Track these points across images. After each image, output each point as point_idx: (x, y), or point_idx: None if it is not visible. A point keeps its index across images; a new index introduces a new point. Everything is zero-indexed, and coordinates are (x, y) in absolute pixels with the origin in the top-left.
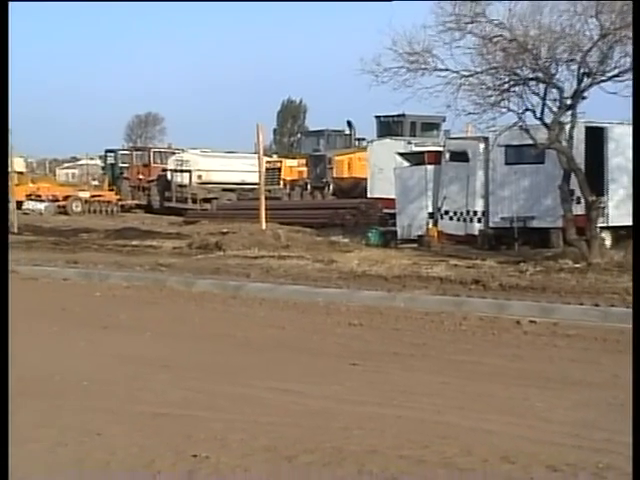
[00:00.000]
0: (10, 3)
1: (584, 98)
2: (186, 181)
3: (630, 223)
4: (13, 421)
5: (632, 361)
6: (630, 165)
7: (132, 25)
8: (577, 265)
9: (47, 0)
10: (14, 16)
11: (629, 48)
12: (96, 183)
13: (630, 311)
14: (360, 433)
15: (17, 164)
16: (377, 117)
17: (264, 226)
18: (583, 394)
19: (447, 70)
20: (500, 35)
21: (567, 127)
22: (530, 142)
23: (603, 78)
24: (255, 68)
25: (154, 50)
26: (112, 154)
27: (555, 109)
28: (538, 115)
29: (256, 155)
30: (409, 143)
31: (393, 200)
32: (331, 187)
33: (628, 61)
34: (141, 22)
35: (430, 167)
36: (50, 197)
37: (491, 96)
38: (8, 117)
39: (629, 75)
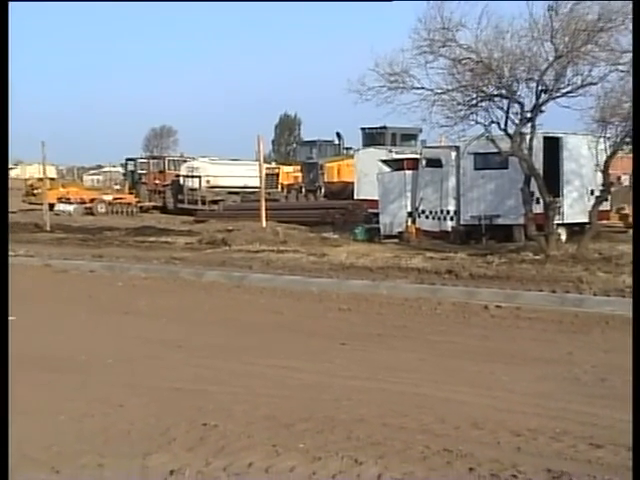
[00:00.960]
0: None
1: (542, 112)
2: (196, 185)
3: (581, 220)
4: (45, 395)
5: (632, 361)
6: (582, 170)
7: (150, 51)
8: (537, 257)
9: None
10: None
11: (580, 67)
12: (118, 187)
13: (583, 297)
14: (349, 404)
15: (49, 171)
16: (362, 129)
17: (264, 224)
18: (542, 369)
19: (422, 88)
20: (468, 57)
21: (527, 137)
22: (495, 150)
23: (558, 94)
24: (256, 86)
25: (169, 71)
26: (132, 162)
27: (517, 121)
28: (502, 127)
29: (257, 162)
30: (390, 151)
31: (376, 201)
32: (322, 190)
33: (580, 79)
34: (157, 49)
35: (409, 172)
36: (78, 200)
37: (461, 111)
38: (8, 117)
39: (581, 91)
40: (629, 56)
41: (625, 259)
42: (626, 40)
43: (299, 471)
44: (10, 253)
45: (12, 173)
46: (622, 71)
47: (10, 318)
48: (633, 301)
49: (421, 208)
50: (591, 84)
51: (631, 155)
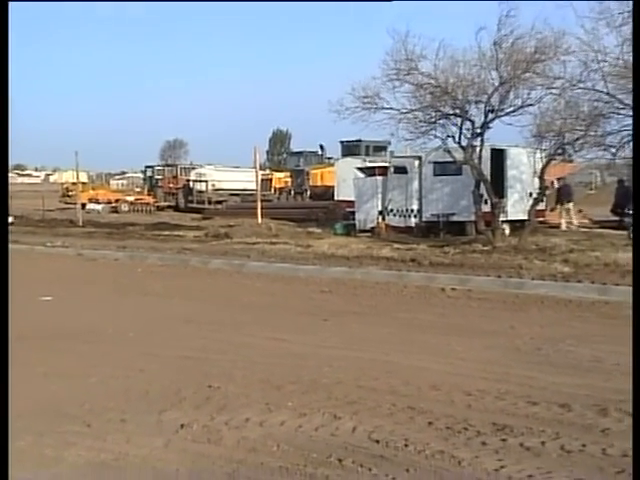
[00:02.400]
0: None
1: (489, 128)
2: (203, 188)
3: (521, 218)
4: (79, 362)
5: (632, 361)
6: (522, 176)
7: (166, 79)
8: (485, 248)
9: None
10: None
11: (520, 91)
12: (138, 190)
13: (523, 281)
14: (329, 369)
15: (82, 176)
16: (341, 142)
17: (260, 221)
18: (489, 340)
19: (391, 109)
20: (428, 83)
21: (477, 149)
22: (451, 160)
23: (502, 113)
24: (254, 106)
25: (182, 95)
26: (150, 169)
27: (469, 136)
28: (456, 140)
29: (254, 169)
30: (364, 161)
31: (353, 202)
32: (308, 192)
33: (520, 101)
34: (171, 77)
35: (379, 178)
36: (105, 200)
37: (422, 127)
38: (8, 118)
39: (521, 110)
40: (561, 81)
41: (557, 250)
42: (557, 68)
43: (288, 425)
44: (48, 244)
45: (51, 178)
46: (554, 94)
47: (47, 298)
48: (633, 301)
49: (390, 207)
50: (529, 105)
51: (562, 164)
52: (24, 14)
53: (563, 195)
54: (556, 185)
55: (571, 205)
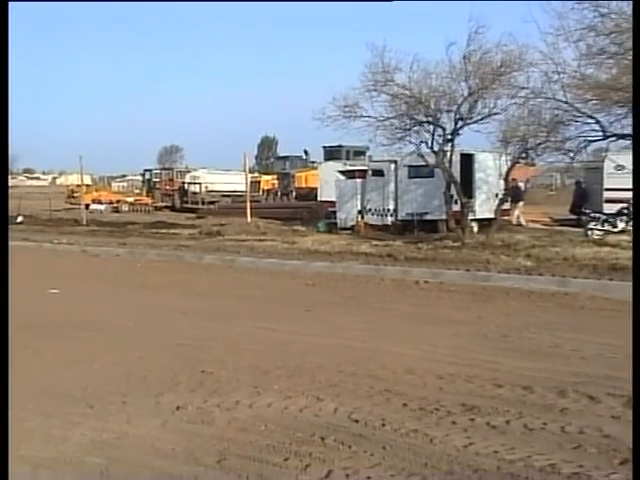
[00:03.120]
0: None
1: (459, 135)
2: (198, 190)
3: (488, 216)
4: (83, 349)
5: (632, 361)
6: (489, 178)
7: (163, 91)
8: (455, 244)
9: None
10: (91, 82)
11: (487, 101)
12: (138, 191)
13: (490, 274)
14: (313, 355)
15: (86, 179)
16: (324, 147)
17: (249, 220)
18: (459, 328)
19: (369, 117)
20: (403, 93)
21: (448, 154)
22: (424, 163)
23: (471, 121)
24: (244, 115)
25: (178, 104)
26: (148, 172)
27: (440, 142)
28: (429, 146)
29: (244, 172)
30: (345, 164)
31: (334, 202)
32: (294, 193)
33: (487, 110)
34: (167, 89)
35: (359, 180)
36: (107, 201)
37: (398, 133)
38: (8, 118)
39: (488, 119)
40: (524, 92)
41: (520, 245)
42: (521, 79)
43: (275, 406)
44: (55, 241)
45: (57, 181)
46: (519, 103)
47: (55, 291)
48: (633, 300)
49: (368, 207)
50: (496, 113)
51: (525, 167)
52: (40, 37)
53: (513, 196)
54: (520, 187)
55: (520, 204)
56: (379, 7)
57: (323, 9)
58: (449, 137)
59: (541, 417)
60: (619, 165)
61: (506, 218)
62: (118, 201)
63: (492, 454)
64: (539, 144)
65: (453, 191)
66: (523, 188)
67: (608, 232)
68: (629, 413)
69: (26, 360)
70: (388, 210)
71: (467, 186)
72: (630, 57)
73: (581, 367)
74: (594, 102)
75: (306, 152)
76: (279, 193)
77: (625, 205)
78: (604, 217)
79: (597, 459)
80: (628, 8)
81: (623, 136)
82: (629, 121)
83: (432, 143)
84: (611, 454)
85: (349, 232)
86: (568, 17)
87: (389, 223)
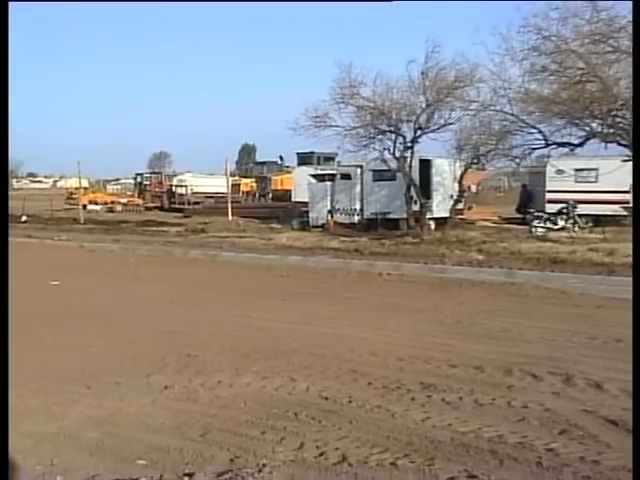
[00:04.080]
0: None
1: (418, 142)
2: (184, 192)
3: (444, 215)
4: (82, 335)
5: (632, 362)
6: (445, 181)
7: (153, 104)
8: (415, 240)
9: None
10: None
11: (443, 112)
12: (130, 193)
13: (445, 267)
14: (287, 340)
15: (83, 182)
16: (297, 153)
17: (230, 218)
18: (418, 315)
19: (337, 126)
20: (368, 105)
21: (408, 159)
22: (387, 168)
23: (428, 130)
24: (226, 124)
25: (166, 115)
26: (140, 176)
27: (401, 149)
28: (391, 152)
29: (225, 176)
30: (316, 169)
31: (307, 203)
32: (270, 195)
33: (443, 120)
34: (158, 102)
35: (329, 183)
36: (103, 202)
37: (363, 141)
38: (8, 119)
39: (444, 128)
40: (475, 104)
41: (472, 241)
42: (473, 93)
43: (253, 386)
44: (55, 238)
45: (58, 184)
46: (471, 115)
47: (56, 283)
48: (633, 300)
49: (337, 207)
50: (450, 123)
51: (477, 171)
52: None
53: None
54: (473, 189)
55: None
56: (347, 27)
57: (296, 31)
58: (409, 144)
59: (490, 394)
60: (559, 170)
61: (461, 217)
62: (112, 202)
63: (447, 427)
64: (489, 151)
65: (413, 193)
66: (475, 190)
67: (550, 229)
68: (568, 389)
69: (30, 346)
70: (355, 210)
71: (425, 188)
72: (569, 74)
73: (526, 349)
74: (537, 114)
75: (281, 158)
76: (257, 194)
77: (564, 205)
78: (546, 216)
79: (539, 430)
80: (567, 31)
81: (563, 144)
82: (568, 131)
83: (394, 150)
84: (551, 425)
85: (320, 229)
86: (513, 39)
87: (356, 221)
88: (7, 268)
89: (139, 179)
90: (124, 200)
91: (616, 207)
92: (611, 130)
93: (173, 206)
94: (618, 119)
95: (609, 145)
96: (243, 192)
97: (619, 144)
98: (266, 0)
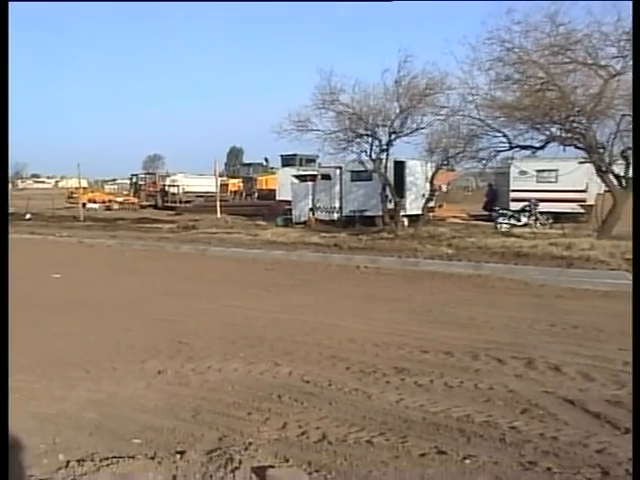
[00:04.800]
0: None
1: (392, 145)
2: (176, 191)
3: (417, 213)
4: (81, 324)
5: (632, 363)
6: (417, 181)
7: (149, 109)
8: (389, 236)
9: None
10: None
11: (415, 118)
12: (126, 193)
13: (418, 260)
14: (271, 328)
15: (83, 182)
16: (281, 155)
17: (219, 216)
18: (393, 305)
19: (318, 130)
20: (347, 111)
21: (384, 161)
22: (364, 169)
23: (402, 134)
24: (215, 128)
25: (160, 120)
26: (135, 176)
27: (377, 151)
28: (368, 154)
29: (214, 177)
30: (299, 170)
31: (290, 201)
32: (256, 194)
33: (415, 125)
34: (150, 104)
35: (310, 183)
36: (101, 201)
37: (342, 144)
38: (8, 120)
39: (416, 132)
40: (445, 110)
41: (443, 237)
42: (443, 100)
43: (240, 370)
44: (57, 234)
45: (59, 184)
46: (441, 119)
47: (57, 275)
48: (633, 299)
49: (318, 205)
50: (422, 128)
51: (447, 172)
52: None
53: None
54: (443, 189)
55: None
56: (328, 38)
57: (280, 41)
58: (384, 147)
59: (458, 377)
60: (522, 170)
61: (433, 214)
62: (110, 201)
63: (419, 407)
64: (458, 153)
65: (388, 192)
66: (445, 189)
67: (513, 225)
68: (530, 372)
69: (33, 334)
70: (334, 208)
71: (399, 188)
72: (530, 83)
73: (491, 335)
74: (502, 119)
75: (266, 160)
76: (244, 194)
77: (527, 203)
78: (510, 213)
79: (503, 410)
80: (528, 43)
81: (525, 147)
82: (530, 135)
83: (370, 152)
84: (514, 405)
85: (302, 226)
86: (480, 50)
87: (335, 218)
88: (7, 264)
89: (134, 179)
90: (120, 199)
91: (574, 205)
92: (569, 134)
93: (166, 204)
94: (575, 124)
95: (567, 148)
96: (231, 191)
97: (576, 147)
98: (253, 12)
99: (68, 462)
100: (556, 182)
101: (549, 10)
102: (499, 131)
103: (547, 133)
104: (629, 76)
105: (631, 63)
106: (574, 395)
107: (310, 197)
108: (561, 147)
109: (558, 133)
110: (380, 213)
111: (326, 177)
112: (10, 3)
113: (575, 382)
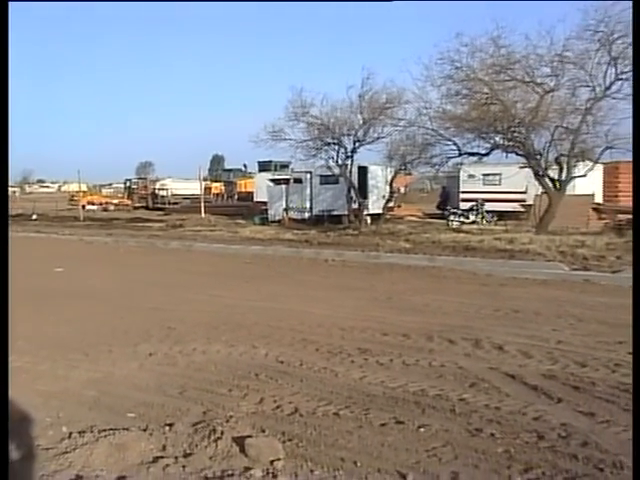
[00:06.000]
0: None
1: (356, 152)
2: (165, 194)
3: (378, 212)
4: (81, 311)
5: (633, 363)
6: (378, 184)
7: (139, 117)
8: (354, 232)
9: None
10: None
11: (377, 128)
12: (121, 195)
13: (379, 254)
14: (250, 315)
15: (83, 187)
16: (258, 162)
17: (203, 216)
18: (357, 294)
19: (291, 139)
20: (316, 122)
21: (349, 166)
22: (331, 174)
23: (365, 143)
24: (200, 138)
25: (151, 128)
26: (129, 181)
27: (343, 157)
28: (335, 160)
29: (199, 181)
30: (274, 174)
31: (266, 202)
32: (236, 196)
33: (376, 135)
34: (142, 116)
35: (284, 186)
36: (98, 203)
37: (312, 152)
38: (8, 121)
39: (377, 141)
40: (403, 122)
41: (401, 233)
42: (401, 112)
43: (222, 352)
44: (60, 233)
45: (62, 188)
46: (399, 130)
47: (60, 269)
48: (633, 299)
49: (291, 205)
50: (383, 137)
51: (405, 176)
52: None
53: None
54: (402, 190)
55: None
56: (299, 58)
57: (257, 60)
58: (349, 154)
59: (415, 356)
60: (470, 174)
61: (392, 213)
62: (106, 203)
63: (380, 383)
64: (414, 159)
65: (352, 194)
66: (403, 191)
67: (463, 222)
68: (477, 351)
69: (39, 321)
70: (305, 208)
71: (363, 190)
72: (476, 98)
73: (444, 319)
74: (452, 129)
75: (245, 166)
76: (225, 196)
77: (475, 203)
78: (460, 212)
79: (453, 384)
80: (474, 63)
81: (473, 154)
82: (477, 143)
83: (337, 159)
84: (463, 380)
85: (277, 224)
86: (433, 69)
87: (306, 217)
88: (7, 260)
89: (128, 184)
90: (116, 201)
91: (515, 204)
92: (510, 143)
93: (156, 206)
94: (516, 134)
95: (509, 155)
96: (214, 194)
97: (517, 154)
98: (232, 36)
99: (70, 433)
100: (500, 184)
101: (492, 34)
102: (450, 140)
103: (492, 142)
104: (562, 92)
105: (563, 81)
106: (515, 370)
107: (284, 198)
108: (504, 154)
109: (501, 142)
110: (346, 212)
111: (298, 181)
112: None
113: (516, 359)
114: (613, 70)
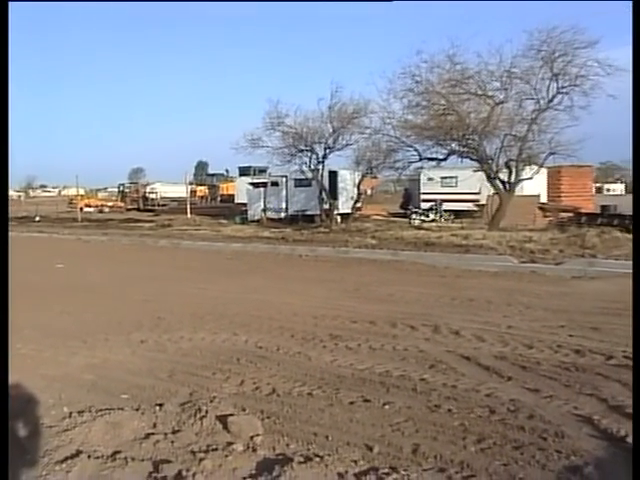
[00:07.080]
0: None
1: (327, 158)
2: (155, 197)
3: (347, 211)
4: (80, 304)
5: (633, 359)
6: (347, 187)
7: (130, 128)
8: (325, 230)
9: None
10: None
11: (346, 136)
12: (115, 198)
13: (348, 249)
14: (233, 306)
15: (81, 191)
16: (239, 167)
17: (189, 216)
18: (329, 285)
19: (268, 147)
20: (290, 131)
21: (320, 171)
22: (305, 177)
23: (335, 149)
24: (186, 146)
25: (142, 138)
26: (122, 185)
27: (315, 163)
28: (308, 165)
29: (185, 184)
30: (253, 178)
31: (246, 203)
32: (219, 198)
33: (345, 142)
34: (133, 127)
35: (262, 188)
36: (95, 205)
37: (287, 157)
38: (8, 121)
39: (346, 147)
40: (369, 130)
41: (368, 230)
42: (367, 122)
43: (206, 339)
44: (60, 233)
45: (62, 192)
46: (365, 137)
47: (60, 265)
48: (633, 299)
49: (268, 206)
50: (351, 144)
51: (371, 179)
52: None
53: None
54: (368, 192)
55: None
56: (275, 73)
57: (235, 75)
58: (321, 160)
59: (380, 341)
60: (430, 177)
61: (360, 213)
62: (102, 205)
63: (349, 366)
64: (379, 164)
65: (324, 195)
66: (370, 193)
67: (424, 221)
68: (436, 336)
69: (42, 312)
70: (282, 208)
71: (333, 192)
72: (435, 109)
73: (406, 308)
74: (413, 137)
75: (227, 171)
76: (209, 198)
77: (434, 203)
78: (421, 211)
79: (415, 366)
80: (433, 77)
81: (432, 159)
82: (435, 149)
83: (310, 164)
84: (424, 362)
85: (256, 223)
86: (396, 82)
87: (282, 217)
88: (7, 258)
89: (121, 188)
90: (110, 204)
91: (470, 204)
92: (465, 149)
93: (147, 207)
94: (470, 141)
95: (464, 160)
96: (199, 196)
97: (471, 159)
98: (215, 53)
99: (71, 413)
100: (456, 186)
101: (449, 52)
102: (411, 146)
103: (448, 148)
104: (510, 104)
105: (511, 94)
106: (470, 353)
107: (262, 200)
108: (459, 159)
109: (457, 148)
110: (318, 212)
111: (275, 184)
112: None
113: (470, 343)
114: (555, 85)
